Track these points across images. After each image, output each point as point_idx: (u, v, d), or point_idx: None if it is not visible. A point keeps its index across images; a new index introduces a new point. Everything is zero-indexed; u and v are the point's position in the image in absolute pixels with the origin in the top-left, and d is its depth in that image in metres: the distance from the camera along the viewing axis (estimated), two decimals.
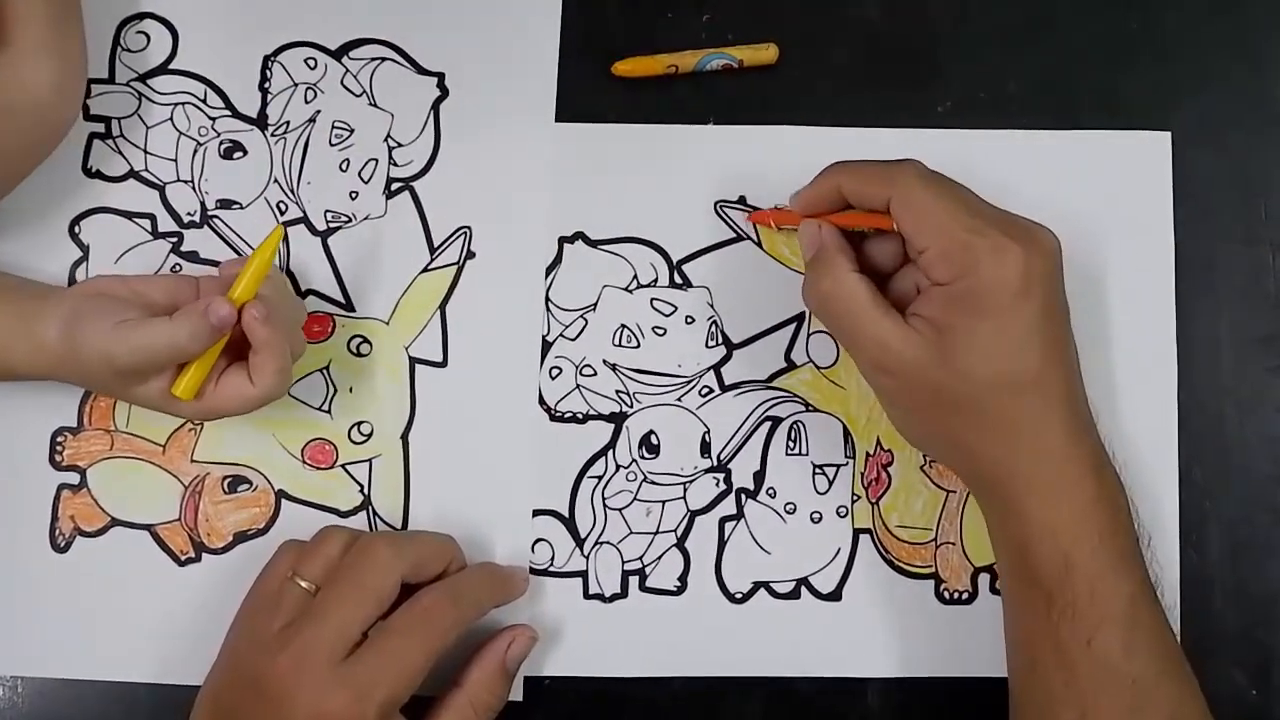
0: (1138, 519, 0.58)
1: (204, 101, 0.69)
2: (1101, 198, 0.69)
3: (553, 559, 0.66)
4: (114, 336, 0.58)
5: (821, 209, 0.62)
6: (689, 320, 0.68)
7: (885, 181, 0.59)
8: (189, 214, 0.68)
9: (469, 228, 0.68)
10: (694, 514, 0.67)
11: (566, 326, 0.68)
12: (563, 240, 0.68)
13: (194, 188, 0.68)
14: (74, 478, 0.66)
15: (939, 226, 0.57)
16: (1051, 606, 0.56)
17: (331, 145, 0.68)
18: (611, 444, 0.67)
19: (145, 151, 0.68)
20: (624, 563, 0.66)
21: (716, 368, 0.68)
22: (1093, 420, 0.58)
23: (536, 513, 0.66)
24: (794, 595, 0.66)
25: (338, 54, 0.69)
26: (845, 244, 0.61)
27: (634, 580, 0.66)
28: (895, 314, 0.58)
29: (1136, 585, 0.56)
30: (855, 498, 0.67)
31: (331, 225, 0.68)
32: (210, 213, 0.68)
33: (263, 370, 0.59)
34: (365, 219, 0.68)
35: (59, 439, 0.66)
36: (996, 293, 0.56)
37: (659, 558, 0.66)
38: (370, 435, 0.66)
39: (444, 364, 0.67)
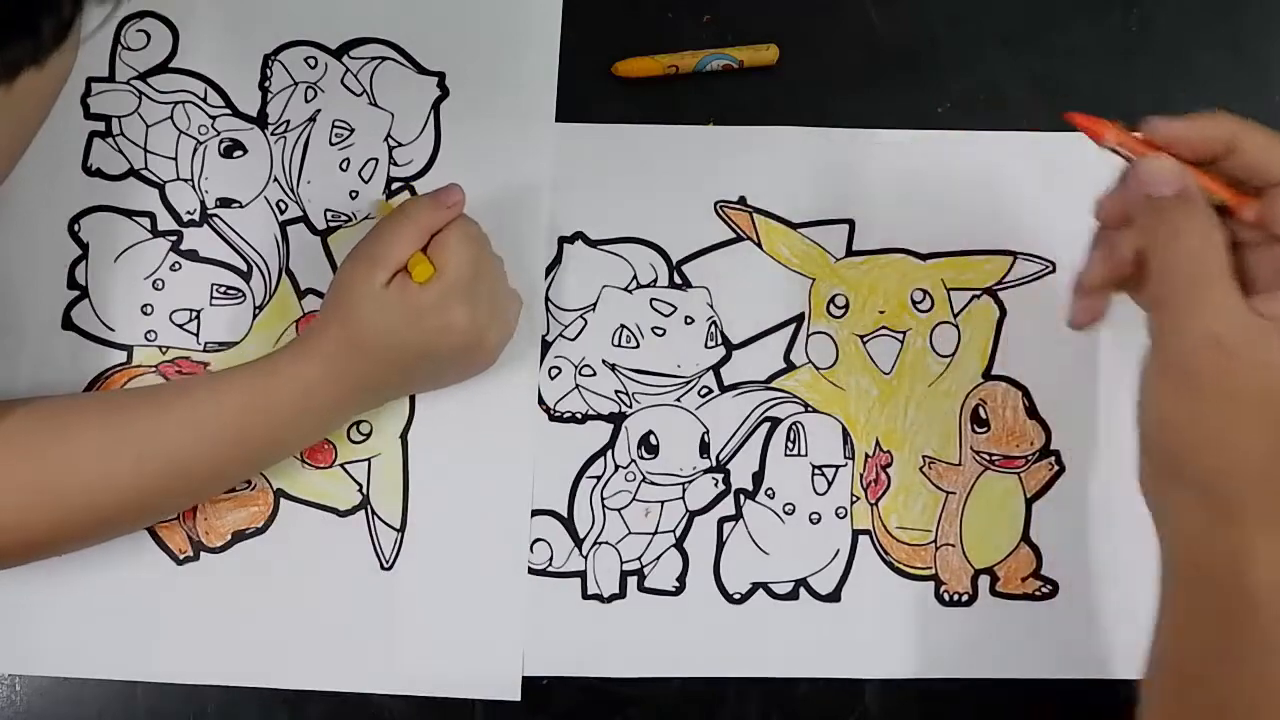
0: None
1: (204, 100, 0.69)
2: None
3: (551, 559, 0.66)
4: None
5: (1184, 152, 0.52)
6: (688, 320, 0.68)
7: None
8: (189, 212, 0.68)
9: None
10: (693, 514, 0.67)
11: (566, 326, 0.68)
12: (563, 240, 0.68)
13: (194, 186, 0.68)
14: None
15: None
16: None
17: (332, 144, 0.68)
18: (610, 444, 0.67)
19: (145, 150, 0.68)
20: (622, 563, 0.66)
21: (716, 368, 0.68)
22: None
23: (535, 513, 0.66)
24: (793, 596, 0.66)
25: (338, 53, 0.69)
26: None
27: (632, 580, 0.66)
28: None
29: None
30: (854, 499, 0.67)
31: (331, 225, 0.68)
32: (210, 211, 0.68)
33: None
34: (365, 218, 0.68)
35: None
36: None
37: (657, 558, 0.66)
38: (369, 434, 0.66)
39: None
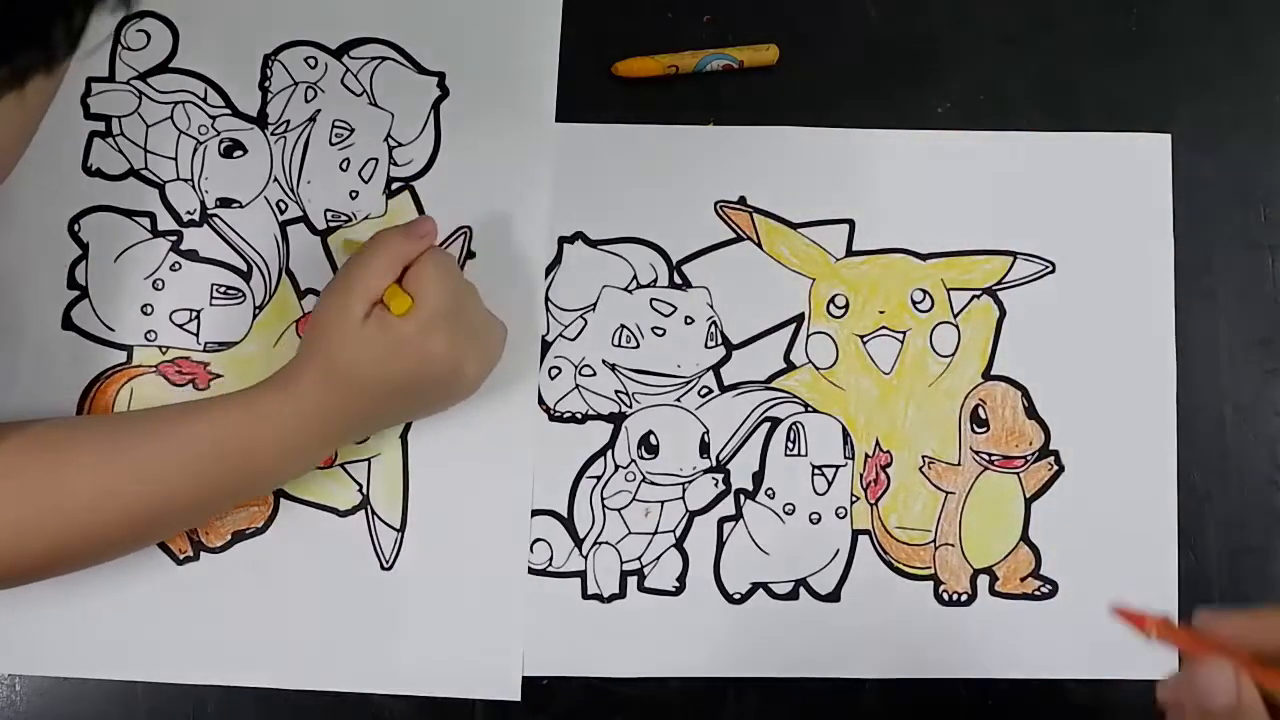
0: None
1: (204, 100, 0.69)
2: (1101, 199, 0.69)
3: (551, 559, 0.66)
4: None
5: (1244, 647, 0.48)
6: (688, 320, 0.68)
7: None
8: (188, 212, 0.68)
9: (469, 228, 0.68)
10: (693, 514, 0.67)
11: (566, 326, 0.68)
12: (563, 240, 0.68)
13: (194, 186, 0.68)
14: None
15: None
16: None
17: (332, 144, 0.68)
18: (610, 444, 0.67)
19: (145, 150, 0.68)
20: (623, 563, 0.66)
21: (716, 368, 0.68)
22: None
23: (535, 513, 0.66)
24: (793, 596, 0.66)
25: (338, 53, 0.69)
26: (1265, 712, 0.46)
27: (632, 580, 0.66)
28: None
29: None
30: (854, 499, 0.67)
31: (331, 224, 0.68)
32: (210, 211, 0.68)
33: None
34: (365, 218, 0.68)
35: None
36: None
37: (657, 558, 0.66)
38: (369, 435, 0.66)
39: None
